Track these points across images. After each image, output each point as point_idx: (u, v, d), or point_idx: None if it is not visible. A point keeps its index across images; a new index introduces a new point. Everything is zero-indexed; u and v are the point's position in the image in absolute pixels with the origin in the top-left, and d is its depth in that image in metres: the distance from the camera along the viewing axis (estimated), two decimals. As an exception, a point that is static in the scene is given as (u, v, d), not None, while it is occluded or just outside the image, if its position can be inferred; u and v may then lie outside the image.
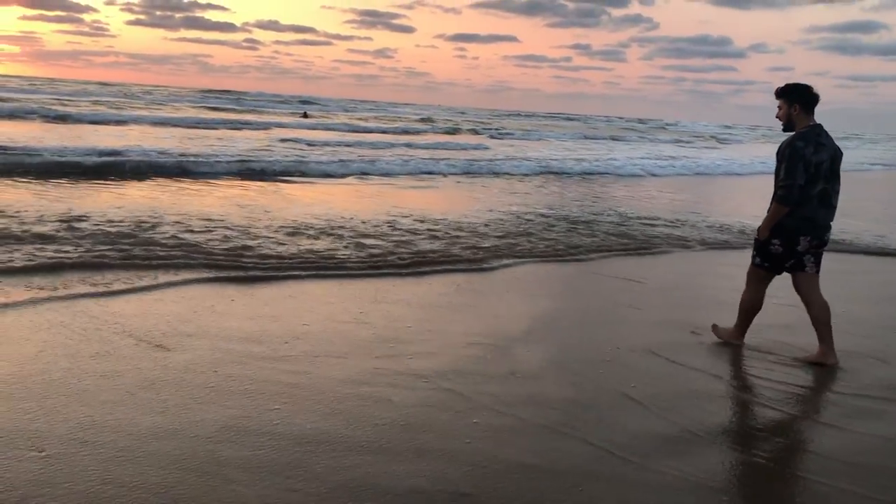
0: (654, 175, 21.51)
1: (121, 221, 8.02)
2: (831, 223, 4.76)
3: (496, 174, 18.33)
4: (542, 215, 10.99)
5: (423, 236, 8.45)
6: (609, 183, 18.28)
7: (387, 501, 2.86)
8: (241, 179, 13.49)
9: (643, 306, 6.15)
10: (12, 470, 2.87)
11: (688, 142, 46.82)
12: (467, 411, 3.73)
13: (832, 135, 4.76)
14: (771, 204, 4.72)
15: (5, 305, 4.95)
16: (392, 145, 24.15)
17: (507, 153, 24.31)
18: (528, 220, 10.41)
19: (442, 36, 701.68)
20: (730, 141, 54.72)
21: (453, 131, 37.98)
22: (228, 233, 7.83)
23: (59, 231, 7.26)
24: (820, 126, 4.73)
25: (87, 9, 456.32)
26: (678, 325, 5.52)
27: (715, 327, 5.24)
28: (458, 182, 16.10)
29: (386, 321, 5.22)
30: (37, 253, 6.30)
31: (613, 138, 43.37)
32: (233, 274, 6.23)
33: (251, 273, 6.31)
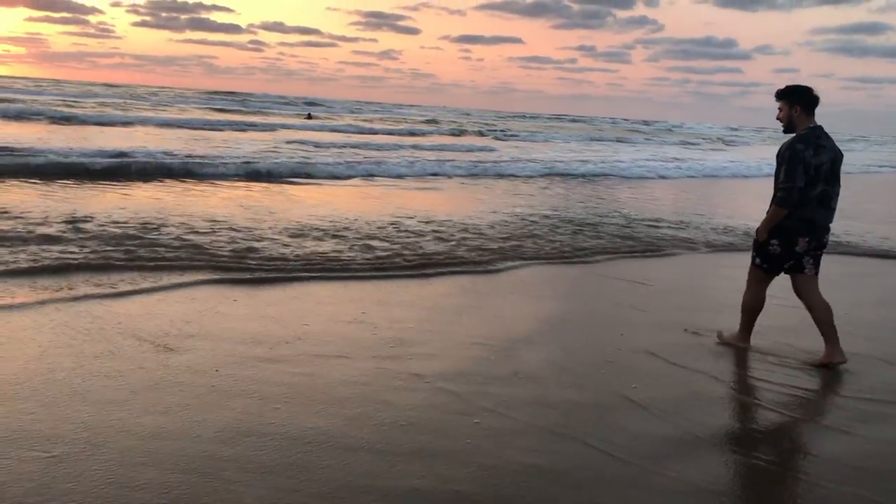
0: (662, 177, 21.46)
1: (126, 222, 8.05)
2: (830, 225, 4.76)
3: (501, 176, 18.32)
4: (548, 217, 10.99)
5: (428, 238, 8.46)
6: (614, 185, 18.26)
7: (387, 502, 2.87)
8: (247, 181, 13.54)
9: (647, 308, 6.14)
10: (16, 470, 2.89)
11: (694, 143, 46.76)
12: (468, 412, 3.74)
13: (838, 137, 4.76)
14: (770, 205, 4.73)
15: (11, 306, 4.98)
16: (398, 147, 24.17)
17: (513, 155, 24.33)
18: (534, 221, 10.41)
19: (447, 37, 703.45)
20: (736, 143, 54.63)
21: (459, 133, 37.95)
22: (233, 234, 7.85)
23: (64, 232, 7.29)
24: (820, 128, 4.72)
25: (93, 10, 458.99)
26: (681, 327, 5.51)
27: (720, 335, 5.21)
28: (464, 183, 16.10)
29: (389, 322, 5.23)
30: (42, 254, 6.33)
31: (619, 140, 43.31)
32: (237, 275, 6.24)
33: (256, 275, 6.32)
